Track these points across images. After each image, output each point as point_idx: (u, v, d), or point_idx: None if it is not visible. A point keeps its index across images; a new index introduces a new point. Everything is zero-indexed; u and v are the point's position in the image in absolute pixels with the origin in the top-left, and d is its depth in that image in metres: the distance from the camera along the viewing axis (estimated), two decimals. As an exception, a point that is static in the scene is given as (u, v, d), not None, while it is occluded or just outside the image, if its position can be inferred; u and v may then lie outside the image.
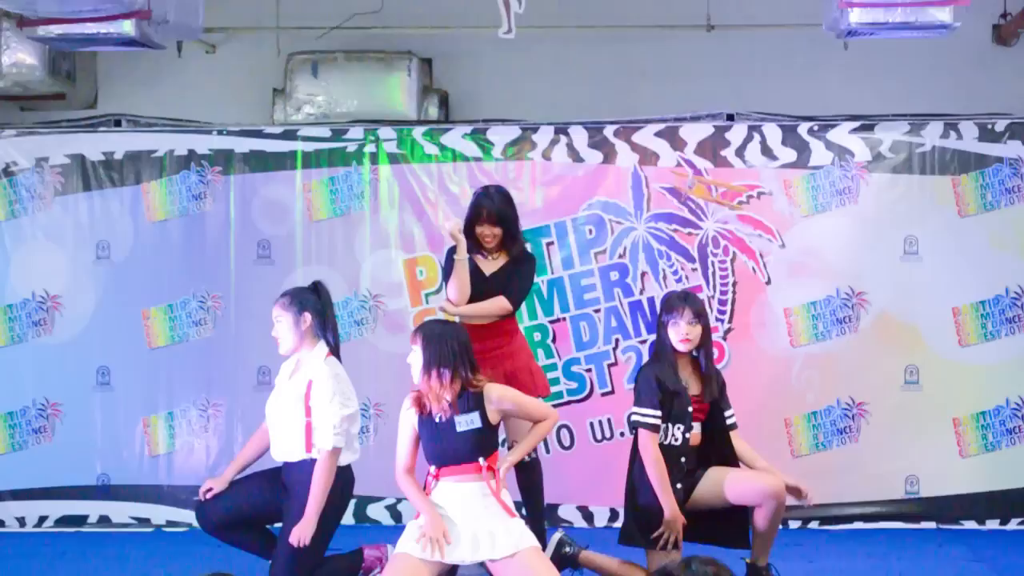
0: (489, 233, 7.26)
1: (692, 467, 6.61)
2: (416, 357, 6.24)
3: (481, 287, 7.26)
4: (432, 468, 6.26)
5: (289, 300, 6.63)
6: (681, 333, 6.55)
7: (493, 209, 7.27)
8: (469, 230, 7.30)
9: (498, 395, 6.25)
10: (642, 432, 6.52)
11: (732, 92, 9.02)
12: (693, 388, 6.61)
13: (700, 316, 6.59)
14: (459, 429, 6.19)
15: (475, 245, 7.34)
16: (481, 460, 6.22)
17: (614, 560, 6.73)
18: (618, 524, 7.26)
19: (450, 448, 6.22)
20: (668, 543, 6.46)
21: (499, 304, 7.25)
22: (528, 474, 7.20)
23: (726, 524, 6.64)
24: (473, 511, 6.18)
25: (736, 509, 6.62)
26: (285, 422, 6.59)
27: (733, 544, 6.63)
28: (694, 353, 6.63)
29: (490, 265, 7.32)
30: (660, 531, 6.47)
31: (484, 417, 6.22)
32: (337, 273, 8.68)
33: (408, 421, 6.31)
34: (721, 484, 6.59)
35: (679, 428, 6.55)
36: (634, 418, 6.55)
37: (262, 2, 9.06)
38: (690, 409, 6.56)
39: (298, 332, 6.59)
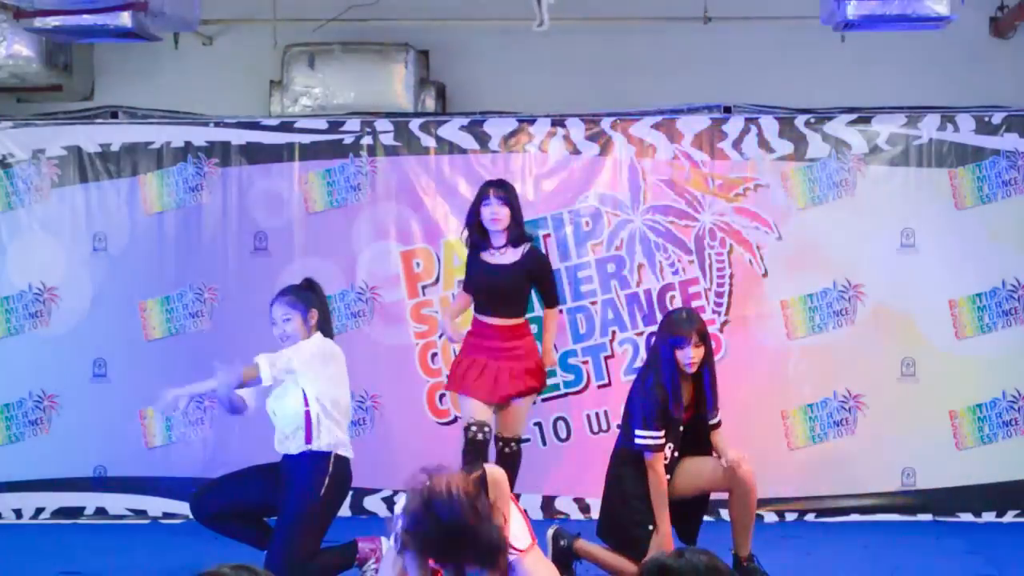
0: (499, 212, 7.50)
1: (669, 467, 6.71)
2: None
3: (490, 278, 7.57)
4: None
5: (294, 299, 6.68)
6: (688, 357, 6.60)
7: (500, 189, 7.60)
8: (474, 216, 7.60)
9: None
10: (648, 454, 6.57)
11: (729, 84, 9.02)
12: (685, 399, 6.66)
13: (704, 338, 6.67)
14: None
15: (482, 234, 7.55)
16: None
17: (606, 549, 6.78)
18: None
19: None
20: None
21: (555, 320, 7.92)
22: (505, 464, 7.34)
23: (683, 514, 6.73)
24: None
25: (697, 503, 6.75)
26: (287, 415, 6.60)
27: (681, 535, 6.75)
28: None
29: (498, 260, 7.64)
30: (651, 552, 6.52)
31: None
32: (334, 265, 8.68)
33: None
34: (692, 472, 6.70)
35: (669, 447, 6.65)
36: (641, 442, 6.58)
37: (259, -6, 9.07)
38: (681, 428, 6.65)
39: (307, 329, 6.66)
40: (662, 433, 6.55)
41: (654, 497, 6.54)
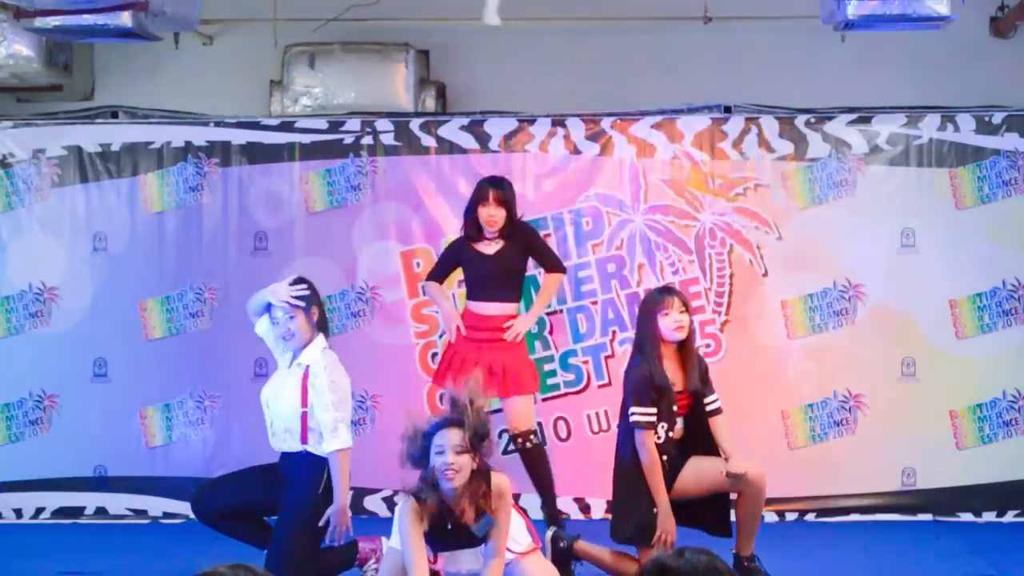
0: (496, 214, 7.61)
1: (674, 461, 6.65)
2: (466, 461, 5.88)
3: (484, 266, 7.65)
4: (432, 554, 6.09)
5: (296, 296, 6.64)
6: (674, 322, 6.59)
7: (499, 191, 7.64)
8: (471, 212, 7.69)
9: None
10: (639, 431, 6.54)
11: (729, 84, 9.02)
12: (678, 384, 6.64)
13: (687, 305, 6.70)
14: (479, 534, 5.98)
15: (475, 230, 7.66)
16: None
17: (606, 550, 6.79)
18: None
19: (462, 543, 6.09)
20: (665, 543, 6.47)
21: (556, 285, 7.91)
22: (533, 461, 7.45)
23: (708, 512, 6.70)
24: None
25: (717, 498, 6.69)
26: (282, 411, 6.60)
27: (715, 532, 6.68)
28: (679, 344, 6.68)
29: (489, 248, 7.70)
30: (657, 534, 6.49)
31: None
32: (334, 265, 8.68)
33: (415, 531, 5.95)
34: (701, 473, 6.65)
35: (663, 427, 6.61)
36: (634, 418, 6.57)
37: (259, -6, 9.07)
38: (675, 408, 6.61)
39: (311, 327, 6.61)
40: (654, 410, 6.53)
41: (648, 474, 6.51)
